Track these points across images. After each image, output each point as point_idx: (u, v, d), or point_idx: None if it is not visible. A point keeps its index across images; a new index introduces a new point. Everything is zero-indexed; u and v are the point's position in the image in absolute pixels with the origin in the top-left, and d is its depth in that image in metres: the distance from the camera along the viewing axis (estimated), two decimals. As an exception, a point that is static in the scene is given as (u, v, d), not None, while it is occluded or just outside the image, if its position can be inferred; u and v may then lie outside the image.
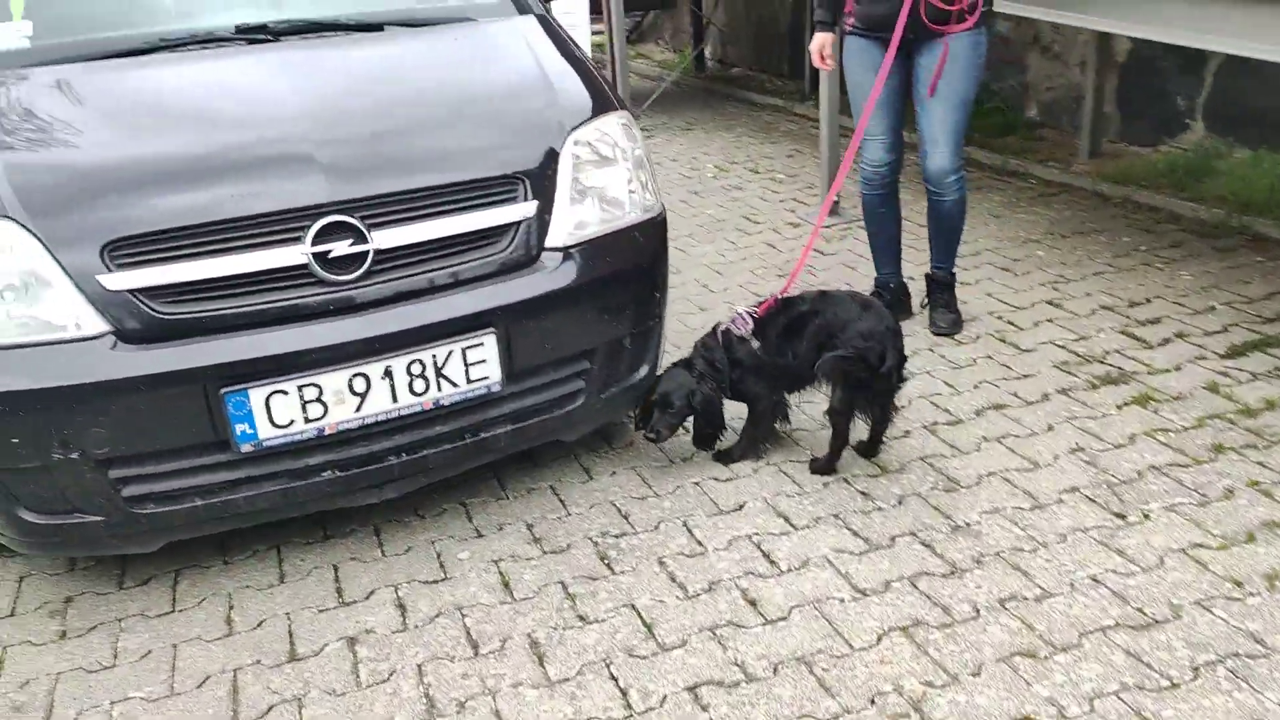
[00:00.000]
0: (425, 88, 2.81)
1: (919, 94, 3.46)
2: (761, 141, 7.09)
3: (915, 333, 3.81)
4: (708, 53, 10.16)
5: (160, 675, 2.29)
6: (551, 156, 2.68)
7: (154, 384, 2.25)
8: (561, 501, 2.89)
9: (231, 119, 2.55)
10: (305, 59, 2.84)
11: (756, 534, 2.67)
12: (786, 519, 2.73)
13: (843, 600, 2.39)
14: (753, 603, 2.41)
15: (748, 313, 2.96)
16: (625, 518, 2.79)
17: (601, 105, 2.86)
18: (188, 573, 2.65)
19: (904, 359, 2.84)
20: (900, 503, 2.77)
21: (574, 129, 2.76)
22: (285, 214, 2.36)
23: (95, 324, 2.25)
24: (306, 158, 2.45)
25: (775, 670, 2.18)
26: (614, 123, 2.85)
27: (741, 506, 2.80)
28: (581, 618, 2.39)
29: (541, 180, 2.64)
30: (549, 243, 2.64)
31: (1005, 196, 5.37)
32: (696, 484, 2.93)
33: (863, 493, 2.83)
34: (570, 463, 3.08)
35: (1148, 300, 3.92)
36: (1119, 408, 3.16)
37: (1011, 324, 3.82)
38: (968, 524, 2.65)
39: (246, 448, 2.33)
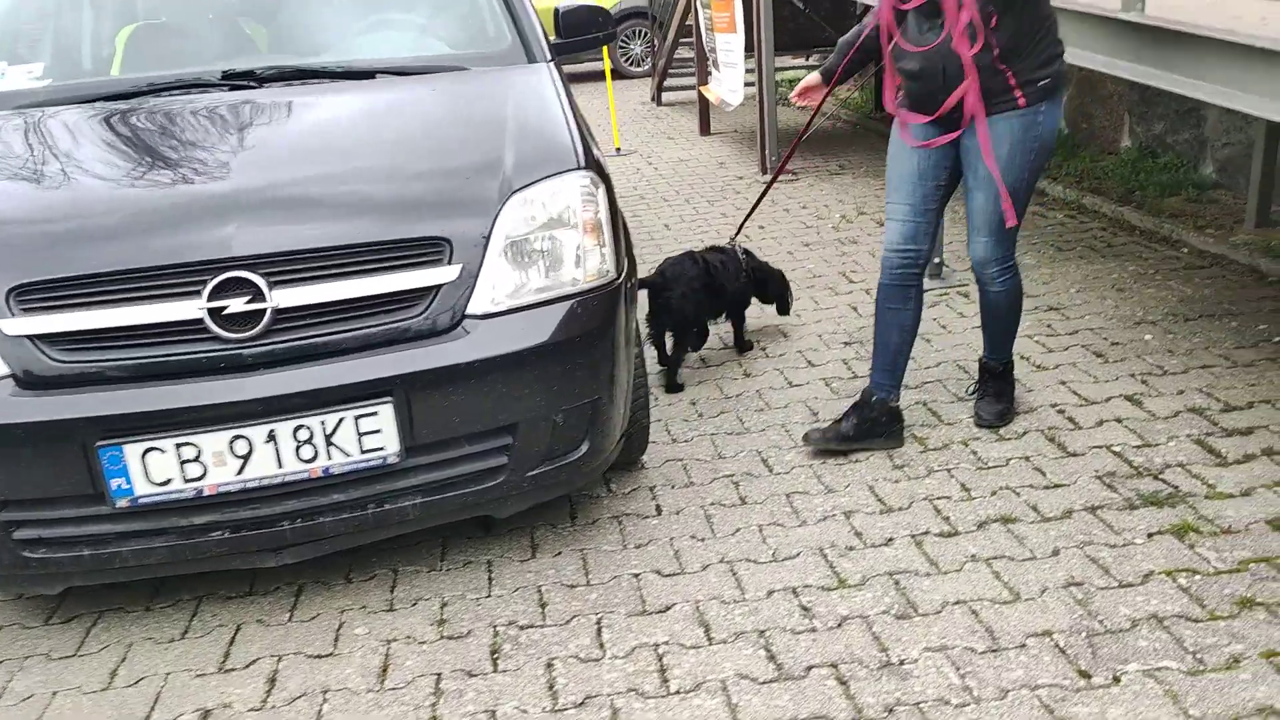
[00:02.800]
0: (375, 141, 2.76)
1: (965, 180, 3.13)
2: (904, 191, 6.66)
3: (958, 420, 3.40)
4: (886, 93, 9.72)
5: (31, 720, 2.32)
6: (486, 218, 2.55)
7: (37, 432, 2.28)
8: (490, 580, 2.74)
9: (164, 167, 2.59)
10: (270, 107, 2.85)
11: (666, 642, 2.42)
12: (706, 628, 2.46)
13: (716, 737, 2.12)
14: (617, 726, 2.17)
15: None
16: (543, 607, 2.60)
17: (561, 164, 2.71)
18: (106, 617, 2.68)
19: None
20: (840, 625, 2.44)
21: (520, 189, 2.62)
22: (185, 267, 2.35)
23: None
24: (221, 209, 2.43)
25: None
26: (572, 183, 2.69)
27: (668, 609, 2.56)
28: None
29: (470, 243, 2.52)
30: (471, 309, 2.50)
31: (1142, 267, 4.77)
32: (635, 575, 2.71)
33: (804, 607, 2.51)
34: (522, 536, 2.93)
35: (1248, 405, 3.33)
36: (1149, 537, 2.67)
37: (1071, 421, 3.34)
38: (901, 661, 2.29)
39: (122, 503, 2.32)
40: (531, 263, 2.59)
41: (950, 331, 4.19)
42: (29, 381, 2.30)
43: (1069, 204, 5.93)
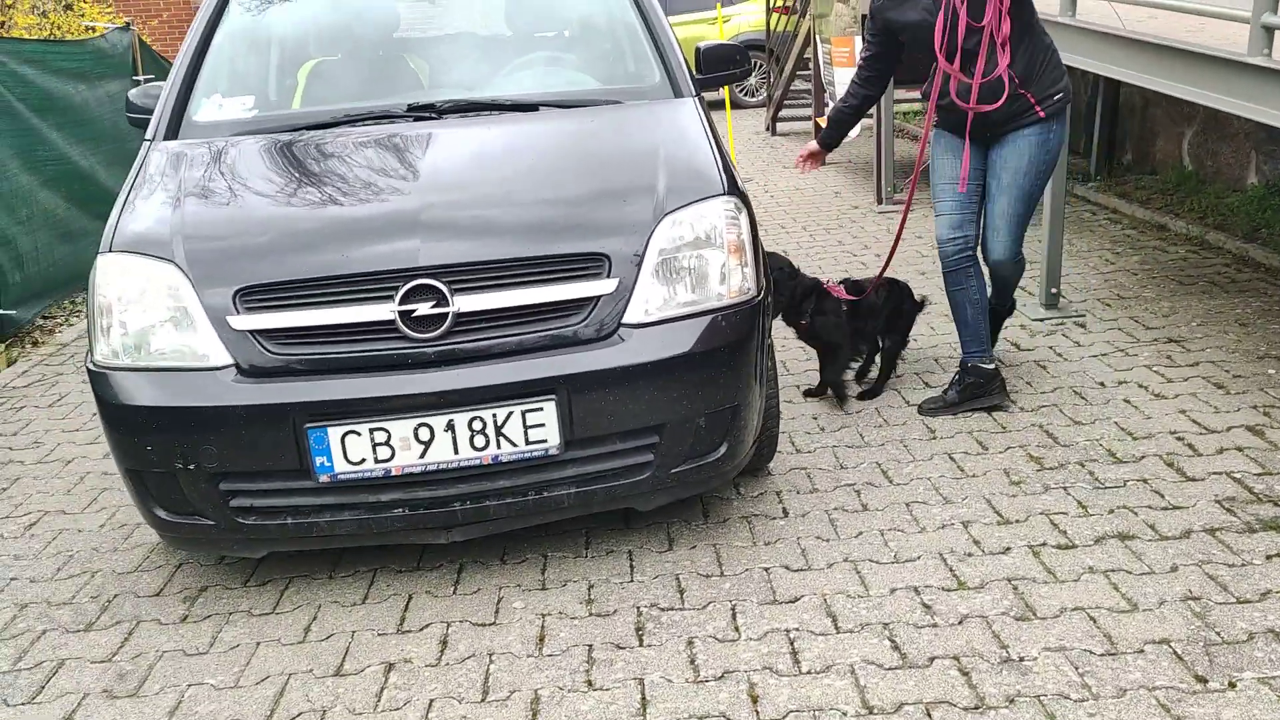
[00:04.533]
0: (541, 165, 3.06)
1: (989, 186, 3.70)
2: (1021, 223, 6.74)
3: (1074, 442, 3.53)
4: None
5: (234, 669, 2.64)
6: (640, 237, 2.81)
7: (257, 414, 2.62)
8: (632, 567, 2.98)
9: (360, 187, 2.93)
10: (450, 136, 3.18)
11: (797, 629, 2.62)
12: (834, 619, 2.66)
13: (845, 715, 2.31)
14: (754, 699, 2.38)
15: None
16: (681, 593, 2.83)
17: (708, 190, 2.96)
18: (295, 582, 3.01)
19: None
20: (960, 622, 2.61)
21: (671, 211, 2.87)
22: (381, 274, 2.67)
23: (223, 357, 2.66)
24: (411, 225, 2.75)
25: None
26: (716, 208, 2.94)
27: (797, 600, 2.76)
28: (589, 683, 2.48)
29: (626, 259, 2.78)
30: (626, 319, 2.76)
31: (1266, 303, 4.79)
32: (766, 569, 2.92)
33: (925, 605, 2.69)
34: (659, 531, 3.17)
35: (1372, 438, 3.39)
36: (1268, 559, 2.78)
37: (1190, 448, 3.44)
38: (1020, 658, 2.45)
39: (324, 478, 2.64)
40: (680, 278, 2.85)
41: (1065, 359, 4.30)
42: (249, 371, 2.65)
43: (1191, 239, 5.95)
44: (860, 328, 4.04)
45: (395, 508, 2.71)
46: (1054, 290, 4.88)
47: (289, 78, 3.79)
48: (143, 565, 3.19)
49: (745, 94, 14.07)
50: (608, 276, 2.77)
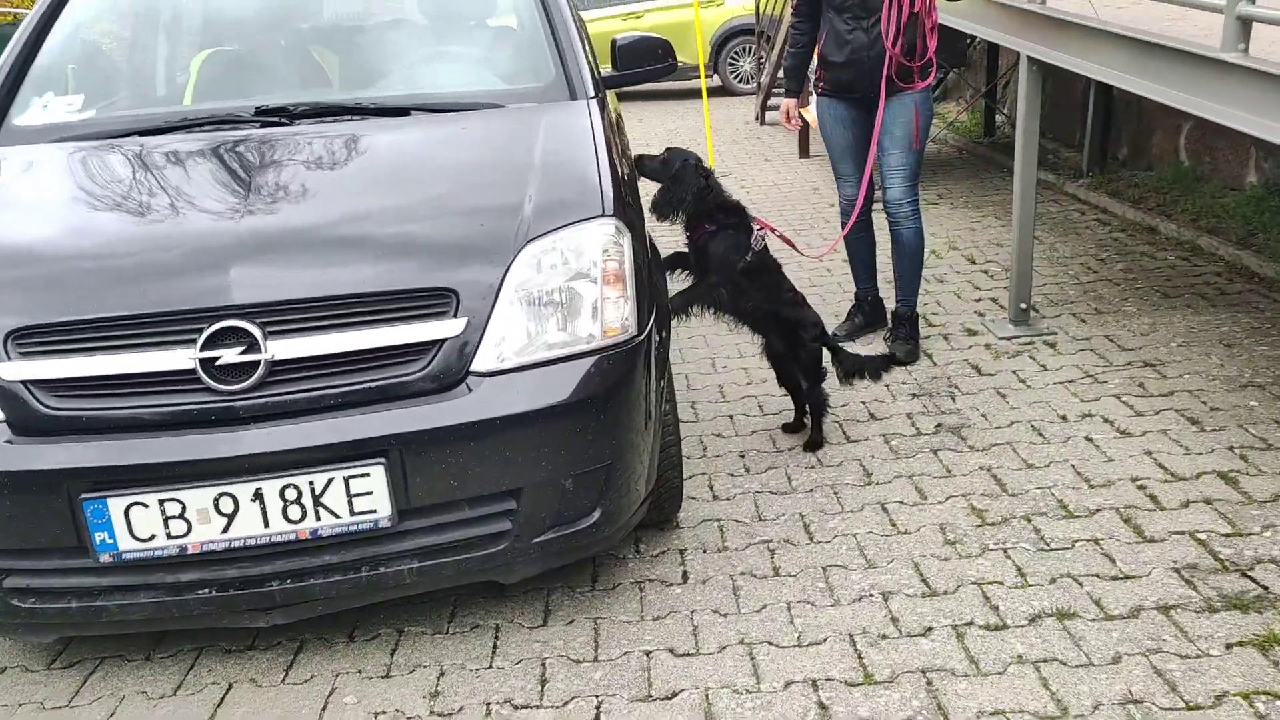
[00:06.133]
0: (392, 183, 2.65)
1: (880, 142, 4.03)
2: (1004, 224, 6.31)
3: (1024, 490, 3.11)
4: (1003, 115, 9.29)
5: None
6: (497, 267, 2.41)
7: (24, 482, 2.23)
8: (495, 648, 2.60)
9: (175, 208, 2.53)
10: (293, 146, 2.77)
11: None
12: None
13: None
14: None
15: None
16: (543, 684, 2.45)
17: (583, 210, 2.55)
18: (106, 664, 2.63)
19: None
20: (857, 731, 2.21)
21: (536, 238, 2.47)
22: (182, 314, 2.27)
23: None
24: (225, 255, 2.36)
25: None
26: (592, 232, 2.53)
27: (674, 696, 2.37)
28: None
29: (478, 294, 2.38)
30: (476, 365, 2.36)
31: (1257, 320, 4.34)
32: (647, 653, 2.53)
33: (821, 705, 2.29)
34: (537, 599, 2.78)
35: (1364, 490, 2.95)
36: (1228, 648, 2.36)
37: (1152, 499, 3.02)
38: (919, 783, 2.05)
39: (106, 557, 2.25)
40: (545, 316, 2.44)
41: (1029, 386, 3.87)
42: (21, 428, 2.25)
43: (1182, 244, 5.49)
44: (743, 289, 3.36)
45: (200, 588, 2.32)
46: (1023, 306, 4.45)
47: (180, 71, 3.41)
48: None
49: (740, 80, 13.60)
50: (454, 315, 2.36)
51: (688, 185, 3.36)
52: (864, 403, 3.86)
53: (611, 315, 2.51)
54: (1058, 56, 3.99)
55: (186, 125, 2.87)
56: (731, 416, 3.83)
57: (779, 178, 8.25)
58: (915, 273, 4.29)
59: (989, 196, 7.10)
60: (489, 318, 2.38)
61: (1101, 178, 6.98)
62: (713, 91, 13.45)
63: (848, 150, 4.23)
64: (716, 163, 8.75)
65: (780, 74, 8.17)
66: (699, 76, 8.84)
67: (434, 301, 2.36)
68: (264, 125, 2.88)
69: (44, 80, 3.08)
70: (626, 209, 2.68)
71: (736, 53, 13.61)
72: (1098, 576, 2.68)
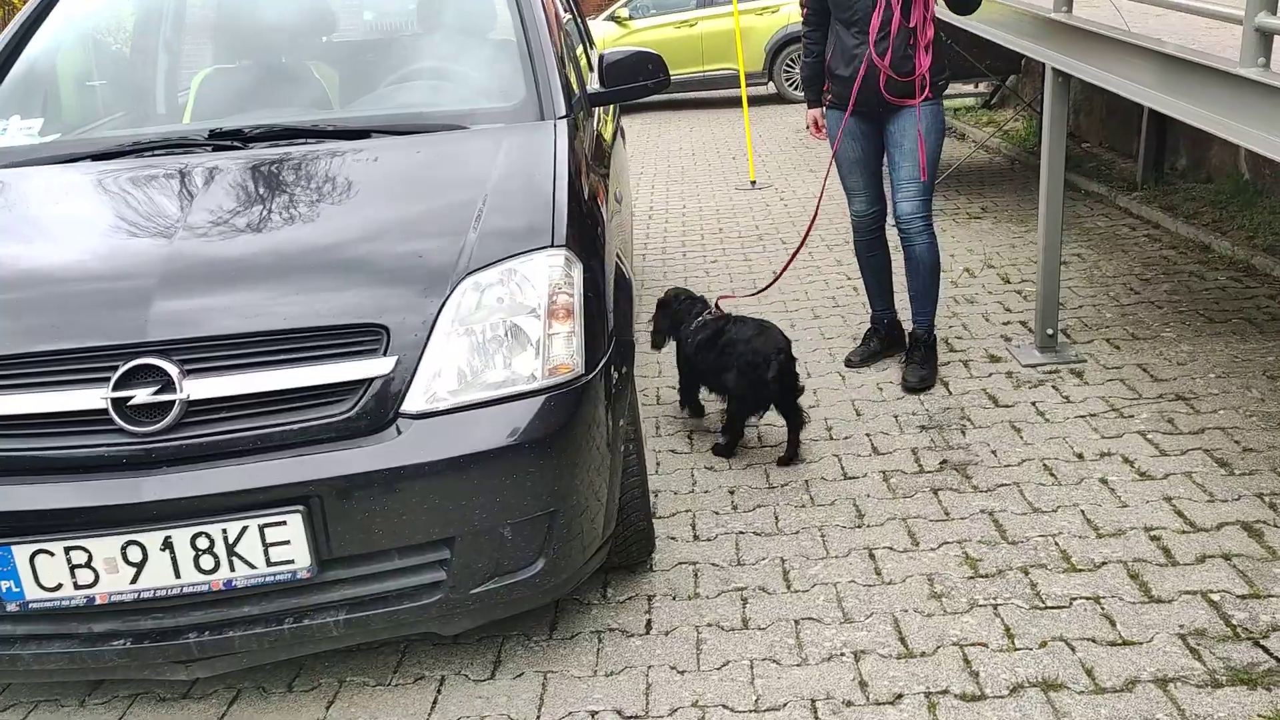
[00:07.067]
0: (333, 211, 2.53)
1: (891, 156, 3.95)
2: (1047, 240, 5.99)
3: (1026, 539, 2.87)
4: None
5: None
6: (433, 301, 2.27)
7: (-70, 526, 2.14)
8: (434, 704, 2.45)
9: (101, 238, 2.44)
10: (239, 173, 2.67)
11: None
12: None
13: None
14: None
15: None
16: (477, 745, 2.29)
17: (530, 240, 2.40)
18: (41, 709, 2.54)
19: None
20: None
21: (477, 269, 2.33)
22: (94, 351, 2.17)
23: None
24: (145, 288, 2.25)
25: None
26: (539, 264, 2.38)
27: (611, 765, 2.19)
28: None
29: (411, 330, 2.24)
30: (406, 407, 2.22)
31: (1307, 347, 4.02)
32: (593, 715, 2.35)
33: (765, 785, 2.10)
34: (489, 648, 2.63)
35: (1402, 548, 2.66)
36: (1229, 730, 2.11)
37: (1165, 552, 2.76)
38: None
39: (13, 606, 2.15)
40: (484, 354, 2.29)
41: (1047, 419, 3.61)
42: (-68, 470, 2.17)
43: (1235, 263, 5.15)
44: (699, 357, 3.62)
45: (114, 639, 2.20)
46: (1049, 331, 4.18)
47: (181, 90, 3.36)
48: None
49: (795, 88, 13.33)
50: (384, 354, 2.22)
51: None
52: (868, 435, 3.64)
53: (559, 352, 2.35)
54: (1082, 68, 3.73)
55: (138, 150, 2.79)
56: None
57: (817, 188, 8.00)
58: (931, 292, 4.08)
59: (1036, 210, 6.76)
60: (421, 355, 2.24)
61: (1156, 190, 6.62)
62: (767, 99, 13.24)
63: (855, 164, 4.09)
64: (758, 173, 8.53)
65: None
66: (749, 84, 8.64)
67: (362, 338, 2.23)
68: (216, 149, 2.78)
69: (7, 105, 3.02)
70: (583, 237, 2.52)
71: (792, 59, 13.35)
72: (1093, 641, 2.44)
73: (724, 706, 2.34)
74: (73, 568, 2.12)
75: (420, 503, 2.20)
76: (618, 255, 2.91)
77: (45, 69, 3.20)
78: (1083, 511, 3.00)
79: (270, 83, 3.30)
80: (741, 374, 3.37)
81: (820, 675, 2.42)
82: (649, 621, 2.69)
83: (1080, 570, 2.72)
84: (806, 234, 4.42)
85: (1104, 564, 2.74)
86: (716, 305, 3.75)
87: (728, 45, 12.49)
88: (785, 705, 2.33)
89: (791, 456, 3.46)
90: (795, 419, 3.45)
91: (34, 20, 3.23)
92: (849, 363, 4.28)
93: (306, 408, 2.20)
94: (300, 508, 2.13)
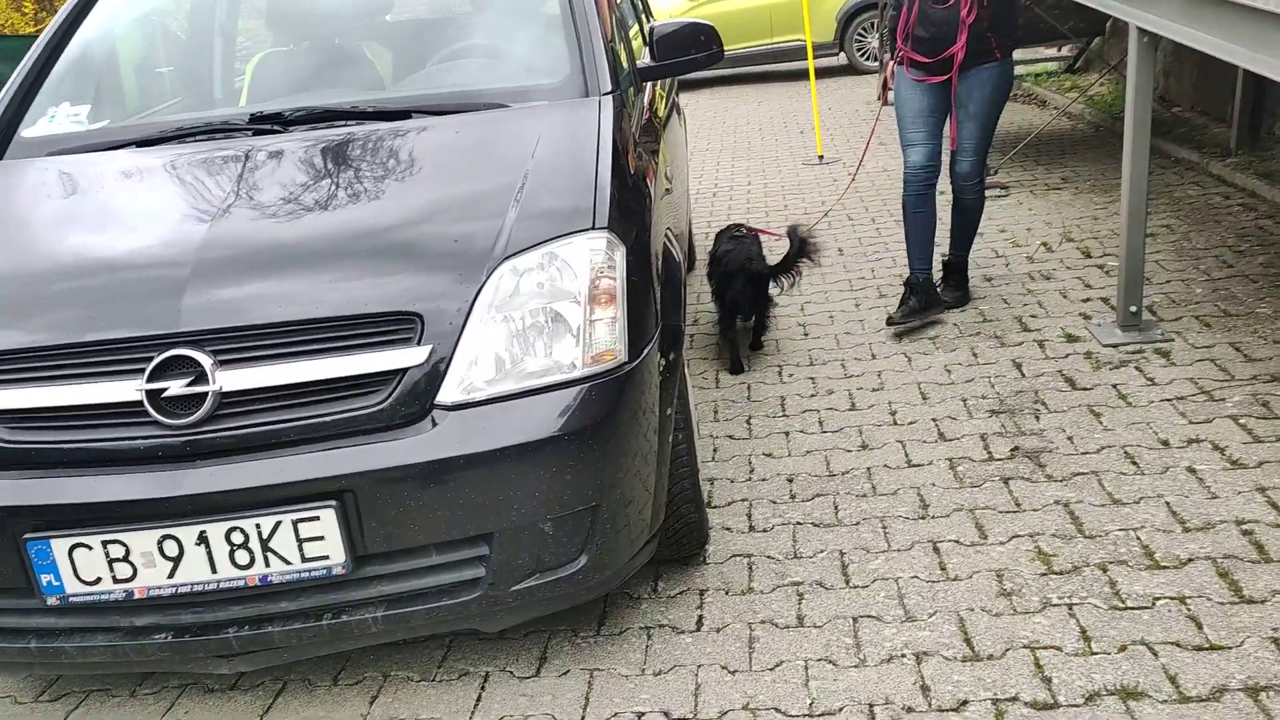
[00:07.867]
0: (369, 195, 2.45)
1: (956, 115, 4.08)
2: (1132, 211, 5.70)
3: (1104, 532, 2.70)
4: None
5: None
6: (468, 288, 2.18)
7: (-28, 519, 2.13)
8: (478, 702, 2.39)
9: (136, 227, 2.39)
10: (275, 157, 2.61)
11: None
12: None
13: None
14: None
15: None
16: (519, 747, 2.21)
17: (571, 223, 2.30)
18: (92, 699, 2.54)
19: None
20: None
21: (515, 254, 2.23)
22: (129, 342, 2.13)
23: None
24: (179, 277, 2.20)
25: None
26: (579, 247, 2.27)
27: (656, 771, 2.10)
28: None
29: (445, 319, 2.16)
30: (441, 398, 2.14)
31: None
32: (639, 716, 2.26)
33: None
34: (535, 644, 2.55)
35: None
36: (1326, 749, 1.93)
37: (1259, 548, 2.56)
38: None
39: (53, 600, 2.13)
40: (522, 342, 2.21)
41: (1130, 404, 3.40)
42: (-28, 461, 2.16)
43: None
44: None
45: (156, 633, 2.17)
46: (1133, 308, 3.95)
47: (237, 73, 3.34)
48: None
49: (866, 58, 12.99)
50: (418, 343, 2.15)
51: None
52: (934, 420, 3.48)
53: (601, 339, 2.25)
54: (1170, 27, 3.48)
55: (180, 135, 2.75)
56: (787, 433, 3.51)
57: (891, 163, 7.74)
58: (972, 233, 4.45)
59: (1120, 180, 6.45)
60: (456, 344, 2.16)
61: (1252, 156, 6.25)
62: (839, 70, 12.92)
63: (919, 116, 4.14)
64: (826, 148, 8.31)
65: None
66: (820, 55, 8.40)
67: (396, 327, 2.15)
68: (256, 133, 2.73)
69: (58, 92, 3.02)
70: (627, 219, 2.41)
71: (864, 28, 12.98)
72: (1178, 645, 2.27)
73: (776, 710, 2.23)
74: (110, 561, 2.10)
75: (456, 498, 2.13)
76: (667, 236, 2.80)
77: (96, 57, 3.18)
78: (1168, 503, 2.81)
79: (326, 65, 3.25)
80: (720, 282, 4.12)
81: (879, 678, 2.29)
82: (700, 618, 2.59)
83: (1164, 567, 2.54)
84: (863, 156, 5.18)
85: (1190, 561, 2.55)
86: (745, 227, 4.41)
87: (797, 16, 12.17)
88: (841, 710, 2.21)
89: (754, 345, 4.21)
90: (760, 324, 4.19)
91: (81, 8, 3.21)
92: (890, 321, 4.26)
93: (338, 399, 2.13)
94: (333, 502, 2.07)
